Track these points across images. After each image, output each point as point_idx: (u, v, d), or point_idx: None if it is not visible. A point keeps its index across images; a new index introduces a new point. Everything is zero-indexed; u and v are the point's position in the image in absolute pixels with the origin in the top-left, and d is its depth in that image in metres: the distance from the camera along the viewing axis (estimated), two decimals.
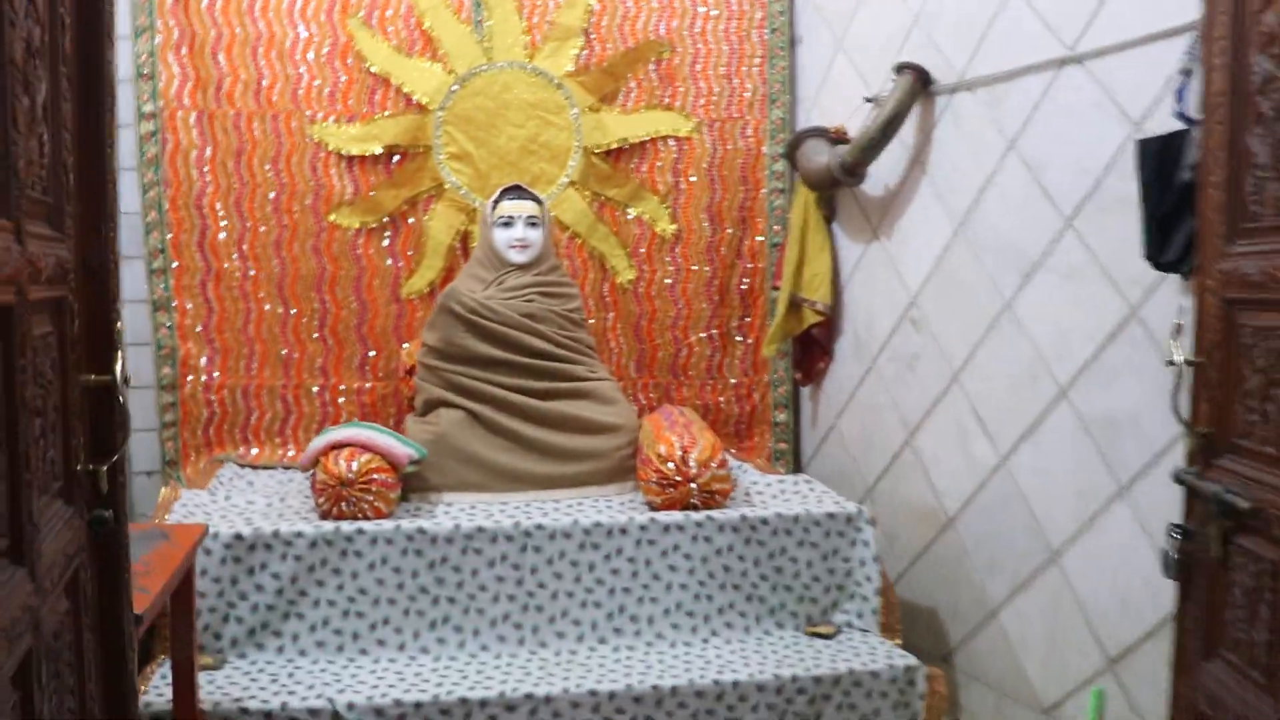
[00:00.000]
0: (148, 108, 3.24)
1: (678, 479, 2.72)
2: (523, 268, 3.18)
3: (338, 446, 2.69)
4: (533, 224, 3.19)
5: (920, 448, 2.96)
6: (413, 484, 2.87)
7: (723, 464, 2.78)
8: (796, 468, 3.69)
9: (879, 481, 3.18)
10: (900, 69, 2.87)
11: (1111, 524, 2.26)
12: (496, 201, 3.23)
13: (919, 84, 2.84)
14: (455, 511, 2.76)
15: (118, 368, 1.58)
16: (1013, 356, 2.55)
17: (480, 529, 2.61)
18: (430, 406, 3.05)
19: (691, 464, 2.73)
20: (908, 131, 2.95)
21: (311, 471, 2.73)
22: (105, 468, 1.51)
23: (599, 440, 3.00)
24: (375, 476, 2.63)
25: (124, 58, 3.25)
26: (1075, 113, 2.33)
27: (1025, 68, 2.48)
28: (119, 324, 1.62)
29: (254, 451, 3.39)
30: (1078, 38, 2.31)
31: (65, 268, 1.38)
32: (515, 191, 3.25)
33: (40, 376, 1.24)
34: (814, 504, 2.84)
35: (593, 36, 3.50)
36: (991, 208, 2.63)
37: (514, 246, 3.17)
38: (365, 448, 2.68)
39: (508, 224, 3.18)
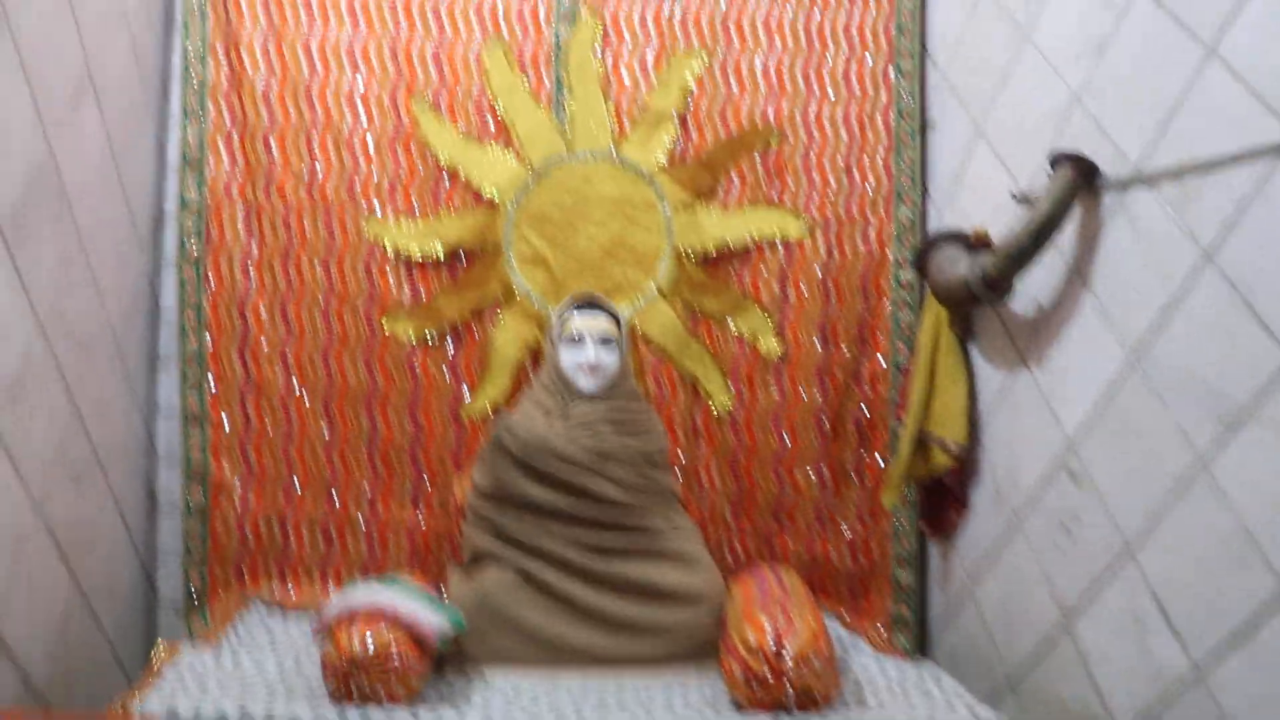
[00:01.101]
0: (192, 199, 2.92)
1: (768, 676, 2.15)
2: (594, 396, 2.71)
3: (354, 615, 2.22)
4: (607, 344, 2.72)
5: (1081, 637, 2.33)
6: (448, 654, 2.39)
7: (827, 657, 2.21)
8: (921, 641, 3.06)
9: (1026, 673, 2.55)
10: (1057, 160, 2.32)
11: None
12: (565, 315, 2.78)
13: (1081, 178, 2.28)
14: (492, 699, 2.25)
15: None
16: (1210, 532, 1.92)
17: None
18: (477, 559, 2.57)
19: (786, 658, 2.16)
20: (1066, 237, 2.38)
21: (324, 641, 2.26)
22: None
23: (676, 612, 2.47)
24: (395, 656, 2.14)
25: (172, 143, 2.97)
26: None
27: (1229, 156, 1.89)
28: None
29: (290, 590, 2.96)
30: None
31: None
32: (589, 304, 2.79)
33: None
34: (942, 711, 2.23)
35: (689, 123, 3.05)
36: (1179, 336, 2.03)
37: (584, 370, 2.70)
38: (387, 618, 2.21)
39: (577, 343, 2.71)
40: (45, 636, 2.29)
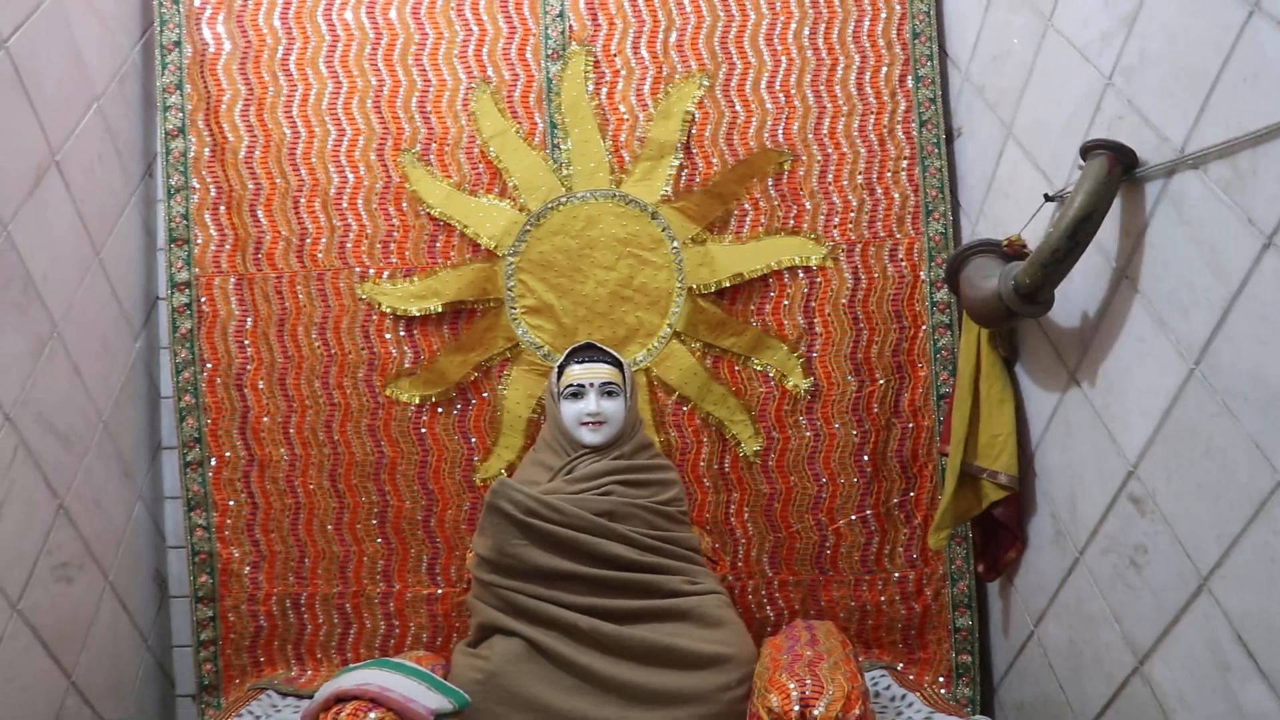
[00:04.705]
0: (182, 276, 2.83)
1: None
2: (599, 450, 2.51)
3: (342, 699, 2.06)
4: (610, 393, 2.53)
5: (1156, 680, 2.05)
6: None
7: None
8: (985, 687, 2.78)
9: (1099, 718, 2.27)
10: (1089, 151, 2.07)
11: None
12: (563, 366, 2.60)
13: (1117, 168, 2.03)
14: None
15: None
16: None
17: None
18: (484, 633, 2.38)
19: None
20: (1109, 235, 2.13)
21: None
22: None
23: (699, 677, 2.23)
24: None
25: (159, 223, 2.88)
26: None
27: None
28: None
29: (308, 673, 2.82)
30: None
31: None
32: (587, 352, 2.60)
33: None
34: None
35: (694, 151, 2.86)
36: (1244, 336, 1.76)
37: (586, 424, 2.51)
38: (376, 702, 2.04)
39: (577, 394, 2.53)
40: None
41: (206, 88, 2.84)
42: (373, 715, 2.01)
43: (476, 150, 2.86)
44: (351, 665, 2.33)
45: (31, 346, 2.27)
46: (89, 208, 2.58)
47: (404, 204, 2.85)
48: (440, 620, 2.83)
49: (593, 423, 2.52)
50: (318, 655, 2.83)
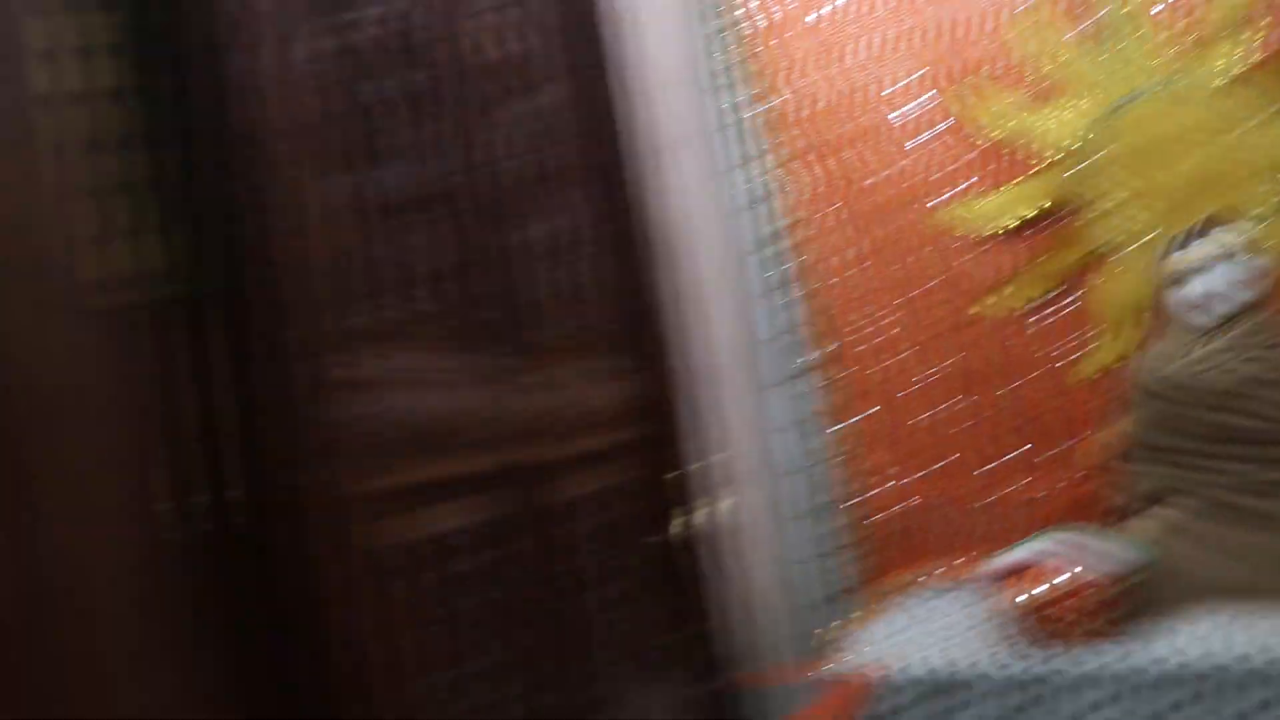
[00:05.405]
0: (773, 228, 3.20)
1: None
2: (1215, 329, 2.51)
3: (1024, 566, 2.27)
4: (1212, 271, 2.51)
5: None
6: (1133, 604, 2.27)
7: None
8: None
9: None
10: None
11: None
12: (1164, 256, 2.63)
13: None
14: (1188, 638, 2.14)
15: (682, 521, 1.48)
16: None
17: (1221, 667, 1.99)
18: (1137, 508, 2.52)
19: None
20: None
21: (995, 598, 2.32)
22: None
23: None
24: (1074, 600, 2.15)
25: (746, 182, 3.25)
26: None
27: None
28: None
29: (951, 566, 3.04)
30: None
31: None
32: (1184, 237, 2.59)
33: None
34: None
35: (1259, 21, 2.79)
36: None
37: (1194, 307, 2.53)
38: (1059, 564, 2.22)
39: (1182, 280, 2.55)
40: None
41: (771, 56, 3.19)
42: (1059, 576, 2.19)
43: (1031, 64, 2.98)
44: (1022, 540, 2.49)
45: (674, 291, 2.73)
46: (696, 174, 3.03)
47: (968, 130, 3.03)
48: (1067, 512, 2.86)
49: (1198, 305, 2.53)
50: (948, 553, 3.02)
